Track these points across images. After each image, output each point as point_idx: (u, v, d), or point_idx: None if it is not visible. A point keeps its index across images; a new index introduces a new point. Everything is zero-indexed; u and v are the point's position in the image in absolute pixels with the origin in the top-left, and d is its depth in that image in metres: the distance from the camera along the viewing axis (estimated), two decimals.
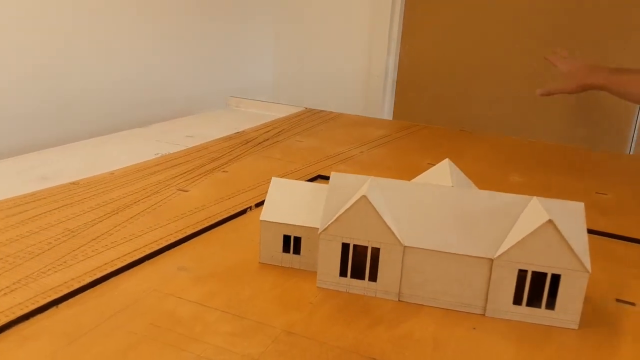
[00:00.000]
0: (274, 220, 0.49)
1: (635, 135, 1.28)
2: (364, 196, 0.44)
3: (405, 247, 0.44)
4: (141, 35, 1.19)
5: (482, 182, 0.57)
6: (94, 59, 1.09)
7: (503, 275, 0.43)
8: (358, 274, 0.46)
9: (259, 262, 0.51)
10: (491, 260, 0.43)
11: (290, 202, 0.51)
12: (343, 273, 0.46)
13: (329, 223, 0.45)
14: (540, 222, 0.42)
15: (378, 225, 0.44)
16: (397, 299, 0.46)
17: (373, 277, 0.46)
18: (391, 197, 0.46)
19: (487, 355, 0.40)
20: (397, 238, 0.44)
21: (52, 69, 1.01)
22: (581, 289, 0.42)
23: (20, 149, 0.88)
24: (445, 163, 0.53)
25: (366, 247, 0.45)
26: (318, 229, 0.47)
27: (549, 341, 0.42)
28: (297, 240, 0.49)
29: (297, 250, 0.50)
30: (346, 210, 0.45)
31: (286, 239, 0.50)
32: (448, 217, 0.45)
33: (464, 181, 0.53)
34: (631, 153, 1.29)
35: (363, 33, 1.48)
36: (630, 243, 0.61)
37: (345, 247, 0.46)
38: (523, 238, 0.42)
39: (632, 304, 0.48)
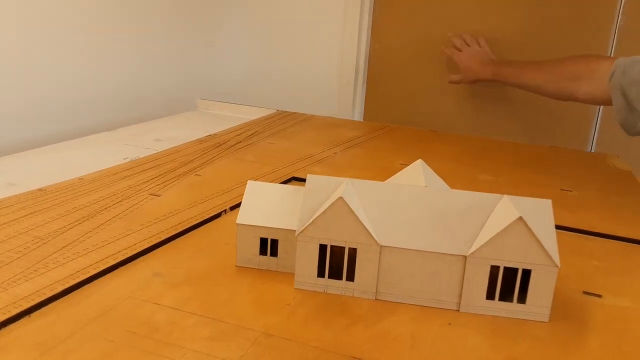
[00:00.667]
0: (250, 224, 0.49)
1: (595, 134, 1.33)
2: (341, 198, 0.44)
3: (381, 246, 0.45)
4: (106, 37, 1.16)
5: (453, 181, 0.59)
6: (57, 62, 1.06)
7: (476, 271, 0.45)
8: (335, 274, 0.47)
9: (236, 266, 0.51)
10: (464, 257, 0.44)
11: (267, 205, 0.51)
12: (321, 274, 0.47)
13: (306, 225, 0.46)
14: (511, 220, 0.43)
15: (355, 226, 0.45)
16: (374, 298, 0.47)
17: (350, 277, 0.46)
18: (367, 198, 0.47)
19: (463, 349, 0.41)
20: (373, 238, 0.45)
21: (14, 71, 0.99)
22: (551, 283, 0.44)
23: None
24: (418, 163, 0.54)
25: (343, 248, 0.46)
26: (295, 231, 0.47)
27: (521, 334, 0.43)
28: (274, 242, 0.50)
29: (274, 253, 0.50)
30: (323, 212, 0.45)
31: (263, 241, 0.50)
32: (422, 216, 0.46)
33: (436, 181, 0.54)
34: (592, 151, 1.33)
35: (333, 34, 1.49)
36: (595, 237, 0.63)
37: (322, 248, 0.46)
38: (495, 235, 0.44)
39: (599, 296, 0.50)
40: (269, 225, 0.49)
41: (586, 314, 0.46)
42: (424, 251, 0.45)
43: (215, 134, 0.99)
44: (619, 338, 0.43)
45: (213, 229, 0.59)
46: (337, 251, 0.46)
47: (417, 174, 0.53)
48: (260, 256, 0.50)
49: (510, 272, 0.44)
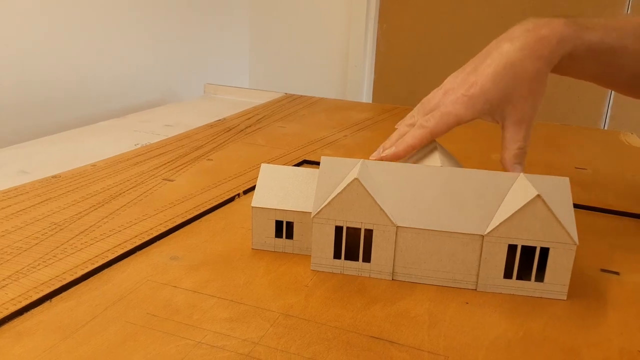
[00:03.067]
0: (265, 206, 0.49)
1: (609, 111, 1.31)
2: (356, 179, 0.44)
3: (398, 227, 0.45)
4: (115, 24, 1.16)
5: (465, 160, 0.58)
6: (67, 51, 1.06)
7: (493, 250, 0.44)
8: (352, 255, 0.47)
9: (252, 248, 0.51)
10: (482, 236, 0.44)
11: (281, 188, 0.51)
12: (337, 255, 0.47)
13: (321, 207, 0.46)
14: (529, 198, 0.43)
15: (371, 207, 0.45)
16: (391, 279, 0.47)
17: (367, 258, 0.46)
18: (382, 178, 0.47)
19: (481, 328, 0.41)
20: (389, 219, 0.45)
21: (26, 61, 0.99)
22: (569, 261, 0.44)
23: None
24: (433, 143, 0.54)
25: (359, 229, 0.46)
26: (310, 213, 0.47)
27: (540, 312, 0.43)
28: (290, 225, 0.50)
29: (289, 235, 0.50)
30: (339, 194, 0.45)
31: (278, 224, 0.50)
32: (439, 196, 0.46)
33: (451, 161, 0.54)
34: (605, 128, 1.32)
35: (340, 15, 1.47)
36: (611, 215, 0.63)
37: (338, 229, 0.46)
38: (512, 214, 0.43)
39: (617, 273, 0.49)
40: (284, 208, 0.49)
41: (604, 291, 0.46)
42: (440, 231, 0.45)
43: (224, 119, 0.99)
44: (638, 315, 0.43)
45: (227, 213, 0.59)
46: (353, 232, 0.46)
47: (432, 154, 0.52)
48: (276, 239, 0.50)
49: (528, 251, 0.44)
